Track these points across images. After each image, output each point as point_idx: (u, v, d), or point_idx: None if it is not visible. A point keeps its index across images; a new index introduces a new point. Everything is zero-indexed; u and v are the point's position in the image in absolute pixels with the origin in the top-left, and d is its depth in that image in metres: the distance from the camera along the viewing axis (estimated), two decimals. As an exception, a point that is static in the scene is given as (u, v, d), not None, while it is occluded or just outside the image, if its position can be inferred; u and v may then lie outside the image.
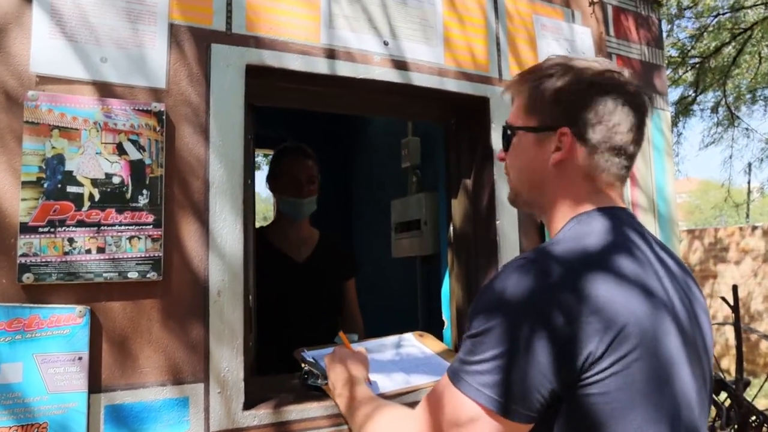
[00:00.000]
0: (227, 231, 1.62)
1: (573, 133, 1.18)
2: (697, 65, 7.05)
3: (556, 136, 1.20)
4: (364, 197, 4.26)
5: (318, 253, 2.64)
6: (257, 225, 2.68)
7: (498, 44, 2.18)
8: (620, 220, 1.19)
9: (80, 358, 1.41)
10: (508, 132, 1.29)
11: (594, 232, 1.15)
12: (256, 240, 2.45)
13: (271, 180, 2.65)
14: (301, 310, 2.49)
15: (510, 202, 1.35)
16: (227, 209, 1.63)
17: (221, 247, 1.60)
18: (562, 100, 1.20)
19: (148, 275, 1.50)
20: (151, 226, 1.52)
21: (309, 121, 4.11)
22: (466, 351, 1.07)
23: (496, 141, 2.10)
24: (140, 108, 1.54)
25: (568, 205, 1.23)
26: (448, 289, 2.27)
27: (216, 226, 1.61)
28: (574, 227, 1.19)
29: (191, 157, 1.61)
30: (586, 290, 1.02)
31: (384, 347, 2.08)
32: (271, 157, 2.95)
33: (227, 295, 1.60)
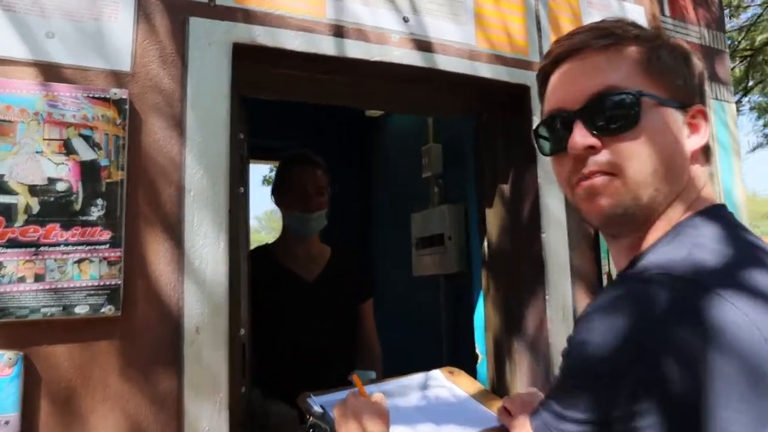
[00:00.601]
0: (208, 250, 1.27)
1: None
2: (748, 59, 6.59)
3: (688, 114, 0.88)
4: (381, 210, 3.93)
5: (329, 272, 2.29)
6: (260, 241, 2.34)
7: (538, 23, 1.83)
8: (730, 222, 0.86)
9: (7, 423, 1.06)
10: (632, 100, 0.89)
11: (706, 236, 0.82)
12: (260, 258, 2.13)
13: (275, 192, 2.32)
14: (311, 335, 2.14)
15: (603, 217, 0.90)
16: (208, 223, 1.28)
17: (200, 272, 1.26)
18: (693, 70, 0.91)
19: (102, 310, 1.16)
20: (108, 246, 1.18)
21: (318, 128, 3.79)
22: (564, 401, 0.74)
23: (540, 137, 1.74)
24: (96, 95, 1.21)
25: (678, 211, 0.88)
26: (482, 316, 1.91)
27: (193, 244, 1.26)
28: (676, 240, 0.84)
29: (162, 158, 1.27)
30: (716, 322, 0.69)
31: (407, 389, 1.72)
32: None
33: (208, 332, 1.25)
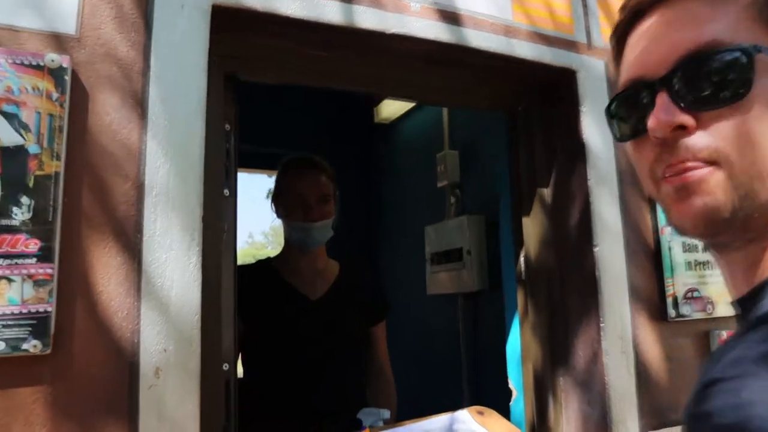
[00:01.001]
0: (173, 267, 0.97)
1: None
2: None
3: None
4: (391, 223, 3.64)
5: (337, 290, 1.99)
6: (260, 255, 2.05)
7: (584, -3, 1.54)
8: None
9: None
10: (742, 59, 0.60)
11: None
12: (260, 272, 1.89)
13: (275, 200, 2.03)
14: (313, 361, 1.84)
15: (700, 223, 0.62)
16: (175, 232, 0.98)
17: (163, 295, 0.96)
18: None
19: (24, 346, 0.86)
20: (35, 260, 0.88)
21: (324, 134, 3.53)
22: None
23: (589, 131, 1.43)
24: (24, 61, 0.92)
25: None
26: (517, 344, 1.59)
27: (155, 259, 0.96)
28: None
29: (115, 145, 0.98)
30: None
31: (430, 436, 1.42)
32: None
33: (172, 374, 0.95)
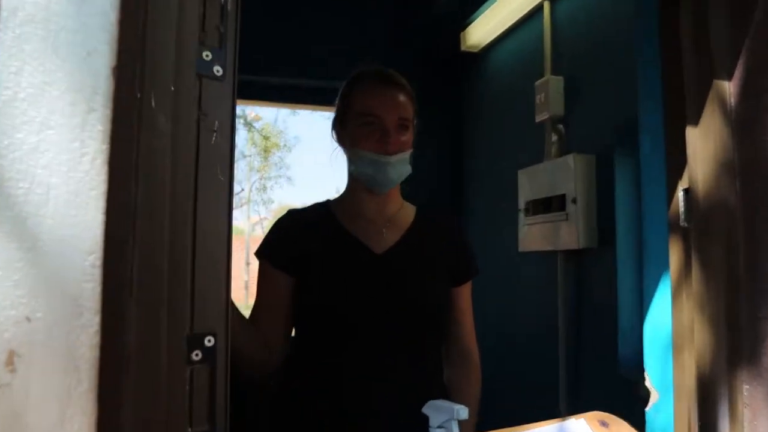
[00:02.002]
0: (50, 160, 0.51)
1: None
2: None
3: None
4: (478, 165, 3.20)
5: (409, 241, 1.54)
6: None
7: None
8: None
9: None
10: None
11: None
12: (314, 218, 1.51)
13: (337, 124, 1.56)
14: (375, 331, 1.41)
15: None
16: (59, 93, 0.52)
17: (27, 212, 0.50)
18: None
19: None
20: None
21: (399, 65, 3.04)
22: None
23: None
24: None
25: None
26: (665, 323, 1.05)
27: (13, 143, 0.50)
28: None
29: None
30: None
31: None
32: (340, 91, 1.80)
33: (41, 364, 0.49)
